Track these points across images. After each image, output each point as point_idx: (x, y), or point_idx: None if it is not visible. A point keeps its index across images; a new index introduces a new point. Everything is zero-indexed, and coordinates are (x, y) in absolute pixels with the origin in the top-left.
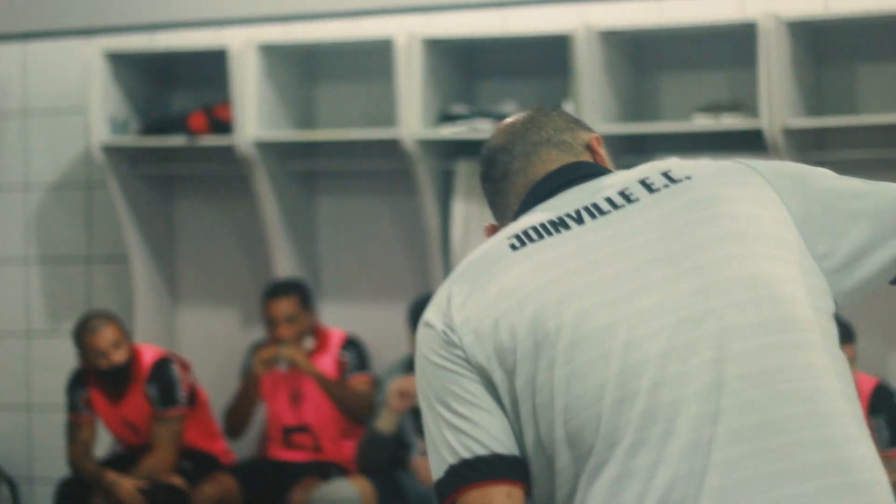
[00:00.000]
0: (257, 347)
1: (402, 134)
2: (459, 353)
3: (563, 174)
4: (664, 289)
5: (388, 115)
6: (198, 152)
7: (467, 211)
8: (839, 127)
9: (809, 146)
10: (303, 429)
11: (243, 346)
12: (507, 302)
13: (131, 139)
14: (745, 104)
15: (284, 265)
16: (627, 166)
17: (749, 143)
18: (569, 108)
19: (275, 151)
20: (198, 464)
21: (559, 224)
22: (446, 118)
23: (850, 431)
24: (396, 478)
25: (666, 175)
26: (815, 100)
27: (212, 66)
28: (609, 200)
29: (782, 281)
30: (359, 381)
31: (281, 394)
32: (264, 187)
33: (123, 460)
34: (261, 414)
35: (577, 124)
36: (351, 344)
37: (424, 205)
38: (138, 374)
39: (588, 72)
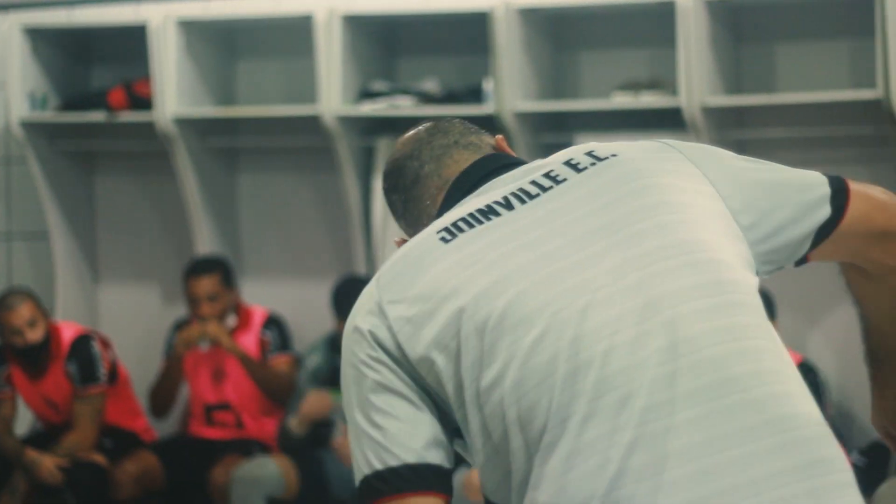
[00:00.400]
0: (180, 325)
1: (322, 110)
2: (388, 354)
3: (481, 166)
4: (603, 260)
5: (308, 92)
6: (118, 128)
7: None
8: (758, 105)
9: (728, 124)
10: (224, 406)
11: (165, 324)
12: (444, 289)
13: (50, 115)
14: (665, 82)
15: (206, 242)
16: (548, 144)
17: (668, 121)
18: (489, 85)
19: (195, 128)
20: (119, 441)
21: (488, 212)
22: (367, 95)
23: (794, 389)
24: (318, 456)
25: (590, 154)
26: (733, 78)
27: (131, 41)
28: (535, 184)
29: (716, 247)
30: (280, 362)
31: (203, 372)
32: (185, 164)
33: (44, 438)
34: (183, 392)
35: (479, 129)
36: (273, 323)
37: (345, 182)
38: (58, 351)
39: (508, 49)
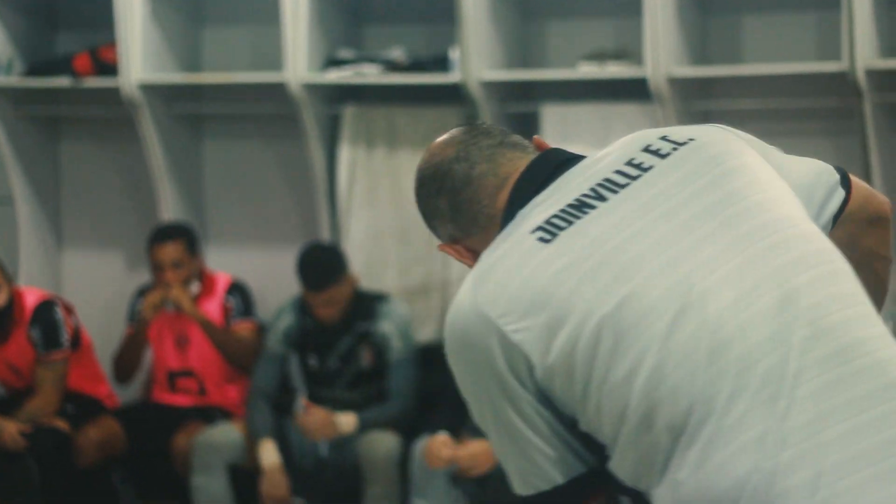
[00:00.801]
0: (143, 292)
1: (288, 78)
2: (514, 374)
3: (546, 161)
4: (715, 241)
5: (274, 59)
6: (83, 94)
7: (353, 156)
8: (723, 76)
9: (693, 95)
10: (187, 373)
11: (129, 290)
12: (561, 292)
13: (15, 80)
14: (631, 52)
15: (170, 209)
16: (514, 114)
17: (634, 91)
18: (455, 54)
19: (160, 94)
20: (81, 407)
21: (581, 206)
22: (333, 63)
23: None
24: (281, 425)
25: (666, 139)
26: (699, 49)
27: (97, 7)
28: (621, 173)
29: (807, 220)
30: (242, 328)
31: (166, 338)
32: (150, 130)
33: (6, 403)
34: (147, 358)
35: (512, 132)
36: (236, 289)
37: (310, 149)
38: (21, 316)
39: (474, 18)
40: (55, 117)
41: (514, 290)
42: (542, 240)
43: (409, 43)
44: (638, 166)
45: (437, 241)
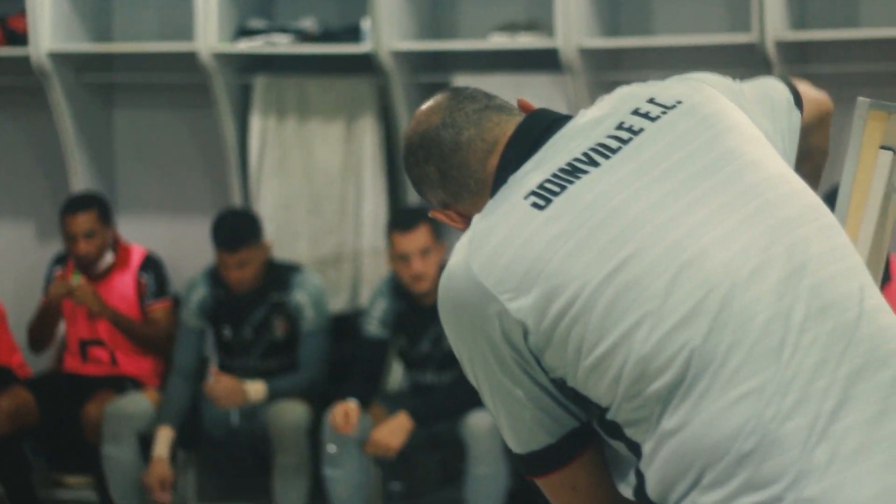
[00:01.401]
0: (59, 260)
1: (198, 47)
2: (512, 347)
3: (534, 123)
4: (709, 200)
5: (185, 29)
6: None
7: (264, 126)
8: (635, 47)
9: (604, 66)
10: (99, 342)
11: (41, 260)
12: (555, 261)
13: None
14: (542, 24)
15: (81, 179)
16: (425, 84)
17: (545, 62)
18: (366, 24)
19: (70, 63)
20: None
21: (574, 171)
22: (244, 33)
23: (884, 303)
24: (194, 395)
25: (654, 102)
26: (610, 20)
27: None
28: (613, 137)
29: (797, 178)
30: (156, 308)
31: (78, 308)
32: (60, 100)
33: None
34: (60, 328)
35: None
36: (150, 265)
37: (222, 119)
38: None
39: None
40: None
41: (509, 259)
42: (535, 206)
43: (320, 13)
44: (629, 129)
45: (347, 212)
